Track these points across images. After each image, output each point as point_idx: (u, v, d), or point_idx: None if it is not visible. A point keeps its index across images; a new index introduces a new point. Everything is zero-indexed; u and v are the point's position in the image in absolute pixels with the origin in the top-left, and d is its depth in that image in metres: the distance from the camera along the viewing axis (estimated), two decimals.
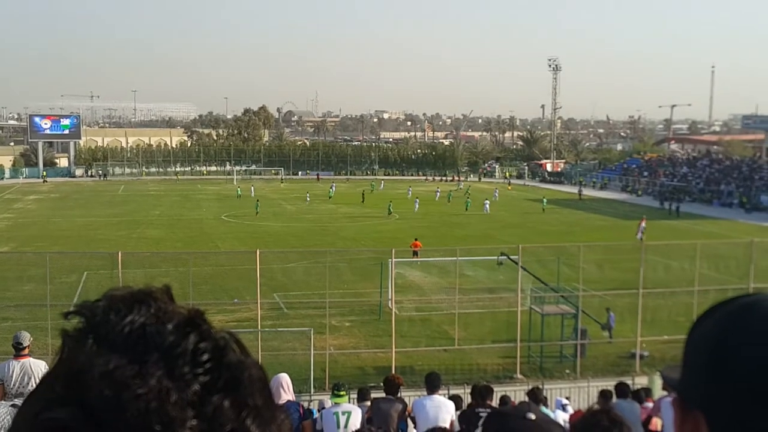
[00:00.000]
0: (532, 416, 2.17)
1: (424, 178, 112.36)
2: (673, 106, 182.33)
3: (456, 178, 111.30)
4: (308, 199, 76.72)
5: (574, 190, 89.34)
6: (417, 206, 68.92)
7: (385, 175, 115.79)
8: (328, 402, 11.43)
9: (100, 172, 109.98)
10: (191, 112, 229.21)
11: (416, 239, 43.07)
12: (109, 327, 0.84)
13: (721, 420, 1.17)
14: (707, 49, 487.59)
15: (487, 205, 68.64)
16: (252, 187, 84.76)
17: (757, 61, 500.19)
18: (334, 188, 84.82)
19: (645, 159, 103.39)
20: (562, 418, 12.06)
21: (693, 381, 1.24)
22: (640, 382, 21.59)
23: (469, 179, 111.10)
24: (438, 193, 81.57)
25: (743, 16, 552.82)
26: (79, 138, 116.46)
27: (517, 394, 18.90)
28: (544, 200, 72.84)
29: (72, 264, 37.94)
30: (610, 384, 16.17)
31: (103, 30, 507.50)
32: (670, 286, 30.70)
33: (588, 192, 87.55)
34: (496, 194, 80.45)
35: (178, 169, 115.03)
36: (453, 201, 76.24)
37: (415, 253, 40.82)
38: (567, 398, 16.88)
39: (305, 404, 20.24)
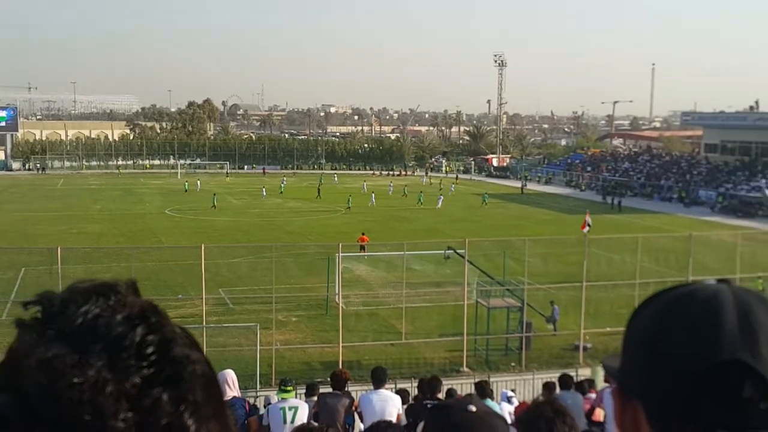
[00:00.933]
0: (473, 408, 2.18)
1: (372, 172, 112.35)
2: (615, 102, 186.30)
3: (404, 172, 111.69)
4: (264, 194, 75.94)
5: (519, 184, 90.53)
6: (373, 200, 68.87)
7: (332, 169, 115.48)
8: (275, 397, 11.36)
9: (39, 165, 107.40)
10: (133, 105, 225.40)
11: (363, 233, 43.07)
12: (64, 317, 0.83)
13: (659, 409, 1.18)
14: (648, 47, 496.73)
15: (441, 201, 69.12)
16: (198, 182, 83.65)
17: (696, 59, 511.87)
18: (285, 182, 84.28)
19: (588, 154, 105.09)
20: (507, 410, 12.17)
21: (631, 370, 1.25)
22: (583, 373, 21.95)
23: (416, 173, 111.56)
24: (391, 188, 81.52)
25: (683, 15, 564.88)
26: (17, 130, 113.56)
27: (464, 387, 19.06)
28: (485, 195, 73.42)
29: (9, 260, 37.06)
30: (554, 376, 16.39)
31: (42, 20, 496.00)
32: (612, 279, 31.26)
33: (533, 186, 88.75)
34: (453, 189, 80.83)
35: (120, 162, 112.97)
36: (408, 195, 76.07)
37: (362, 248, 40.83)
38: (513, 390, 17.05)
39: (251, 400, 20.10)
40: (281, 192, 78.87)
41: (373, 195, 70.99)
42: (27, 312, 0.86)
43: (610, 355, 1.40)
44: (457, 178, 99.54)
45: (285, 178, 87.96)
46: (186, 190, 78.77)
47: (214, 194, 68.42)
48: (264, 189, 77.40)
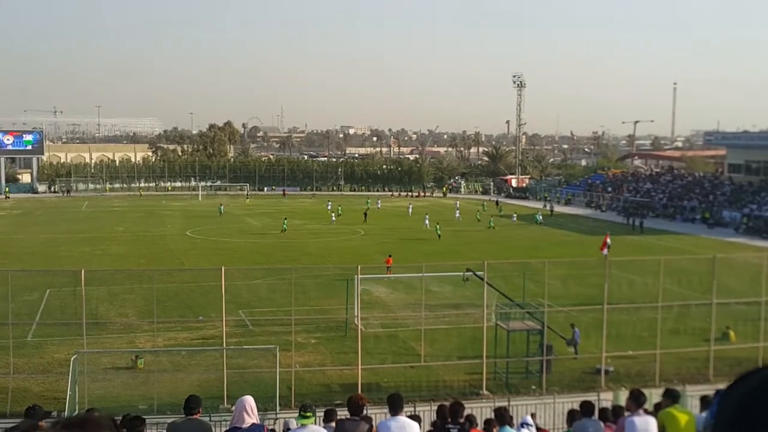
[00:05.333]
0: None
1: (390, 193, 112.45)
2: (636, 122, 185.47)
3: (422, 193, 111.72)
4: (333, 219, 72.20)
5: (539, 205, 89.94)
6: (427, 222, 66.89)
7: (350, 190, 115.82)
8: (294, 423, 11.35)
9: (64, 188, 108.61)
10: (156, 128, 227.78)
11: (390, 256, 43.53)
12: None
13: None
14: (669, 66, 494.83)
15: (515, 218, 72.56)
16: (222, 206, 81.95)
17: (719, 78, 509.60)
18: (330, 206, 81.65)
19: (609, 175, 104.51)
20: None
21: None
22: (605, 397, 21.75)
23: (434, 195, 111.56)
24: (410, 208, 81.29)
25: (704, 34, 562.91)
26: (42, 154, 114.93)
27: (483, 410, 18.91)
28: (539, 215, 74.41)
29: (34, 281, 37.47)
30: (575, 400, 16.25)
31: (67, 45, 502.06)
32: (634, 301, 31.02)
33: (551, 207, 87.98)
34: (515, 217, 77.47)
35: (142, 185, 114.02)
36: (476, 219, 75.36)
37: (388, 269, 41.24)
38: (533, 415, 16.90)
39: (270, 423, 20.08)
40: (339, 214, 75.38)
41: (426, 217, 68.85)
42: None
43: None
44: (497, 203, 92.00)
45: (330, 202, 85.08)
46: (221, 213, 77.33)
47: (285, 218, 67.11)
48: (333, 215, 73.52)
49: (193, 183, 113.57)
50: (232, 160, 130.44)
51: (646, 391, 11.11)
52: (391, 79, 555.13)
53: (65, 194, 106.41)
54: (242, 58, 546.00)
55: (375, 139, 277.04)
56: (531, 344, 26.67)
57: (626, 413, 10.08)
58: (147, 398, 23.08)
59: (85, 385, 22.42)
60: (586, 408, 11.15)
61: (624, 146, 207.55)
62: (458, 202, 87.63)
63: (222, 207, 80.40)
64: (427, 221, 67.31)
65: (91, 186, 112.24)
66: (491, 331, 26.38)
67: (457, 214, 76.31)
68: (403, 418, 9.04)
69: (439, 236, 60.32)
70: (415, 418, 10.62)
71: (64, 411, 21.49)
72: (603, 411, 11.26)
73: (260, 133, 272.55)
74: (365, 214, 73.32)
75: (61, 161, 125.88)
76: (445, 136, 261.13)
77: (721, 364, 26.24)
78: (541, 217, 73.15)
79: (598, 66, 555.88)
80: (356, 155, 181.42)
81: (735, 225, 70.22)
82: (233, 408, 9.91)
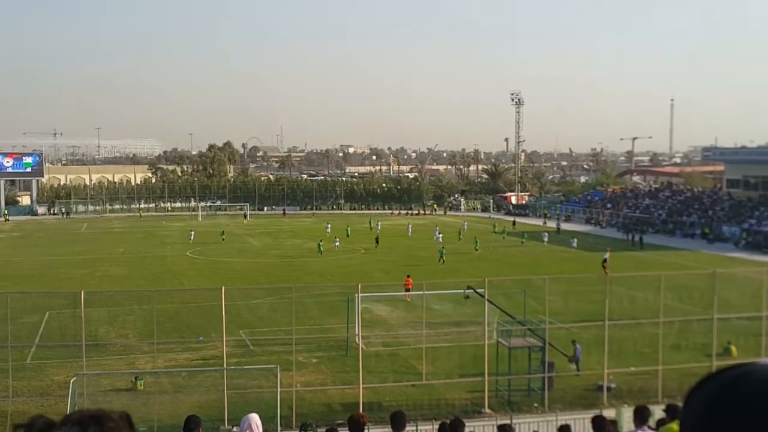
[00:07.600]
0: None
1: (390, 212, 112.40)
2: (635, 138, 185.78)
3: (422, 211, 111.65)
4: (337, 243, 67.39)
5: (540, 222, 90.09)
6: (439, 237, 67.12)
7: (350, 209, 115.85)
8: None
9: (63, 209, 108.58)
10: (155, 149, 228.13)
11: (408, 276, 42.45)
12: None
13: None
14: (666, 82, 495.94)
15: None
16: (191, 230, 77.60)
17: (716, 94, 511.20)
18: (330, 228, 78.18)
19: (608, 191, 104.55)
20: None
21: None
22: (608, 414, 21.61)
23: (435, 213, 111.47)
24: (410, 228, 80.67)
25: (701, 50, 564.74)
26: (42, 176, 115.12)
27: (486, 429, 18.84)
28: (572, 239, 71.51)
29: (34, 304, 37.44)
30: (578, 417, 16.18)
31: (66, 66, 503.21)
32: (635, 317, 30.94)
33: (552, 224, 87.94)
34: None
35: (142, 205, 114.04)
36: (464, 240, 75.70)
37: (407, 290, 40.12)
38: None
39: None
40: (348, 236, 73.76)
41: (440, 236, 68.21)
42: None
43: None
44: (514, 224, 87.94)
45: (329, 224, 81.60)
46: (223, 239, 73.83)
47: (320, 240, 65.57)
48: (337, 239, 68.84)
49: (192, 203, 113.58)
50: (232, 180, 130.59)
51: (649, 408, 11.04)
52: (390, 98, 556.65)
53: (65, 216, 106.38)
54: (241, 78, 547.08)
55: (374, 157, 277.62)
56: (533, 361, 26.58)
57: (631, 426, 10.00)
58: (147, 420, 22.94)
59: (84, 408, 22.25)
60: (598, 424, 11.03)
61: (623, 163, 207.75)
62: (466, 223, 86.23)
63: (192, 233, 74.80)
64: (438, 236, 67.34)
65: (90, 207, 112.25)
66: (492, 349, 26.30)
67: (439, 236, 70.60)
68: None
69: (443, 261, 56.81)
70: None
71: None
72: (611, 423, 11.12)
73: (260, 153, 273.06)
74: (377, 239, 69.26)
75: (61, 183, 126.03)
76: (445, 154, 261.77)
77: None
78: (546, 237, 72.26)
79: (596, 83, 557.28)
80: (356, 174, 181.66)
81: (735, 240, 70.28)
82: (235, 429, 9.87)
